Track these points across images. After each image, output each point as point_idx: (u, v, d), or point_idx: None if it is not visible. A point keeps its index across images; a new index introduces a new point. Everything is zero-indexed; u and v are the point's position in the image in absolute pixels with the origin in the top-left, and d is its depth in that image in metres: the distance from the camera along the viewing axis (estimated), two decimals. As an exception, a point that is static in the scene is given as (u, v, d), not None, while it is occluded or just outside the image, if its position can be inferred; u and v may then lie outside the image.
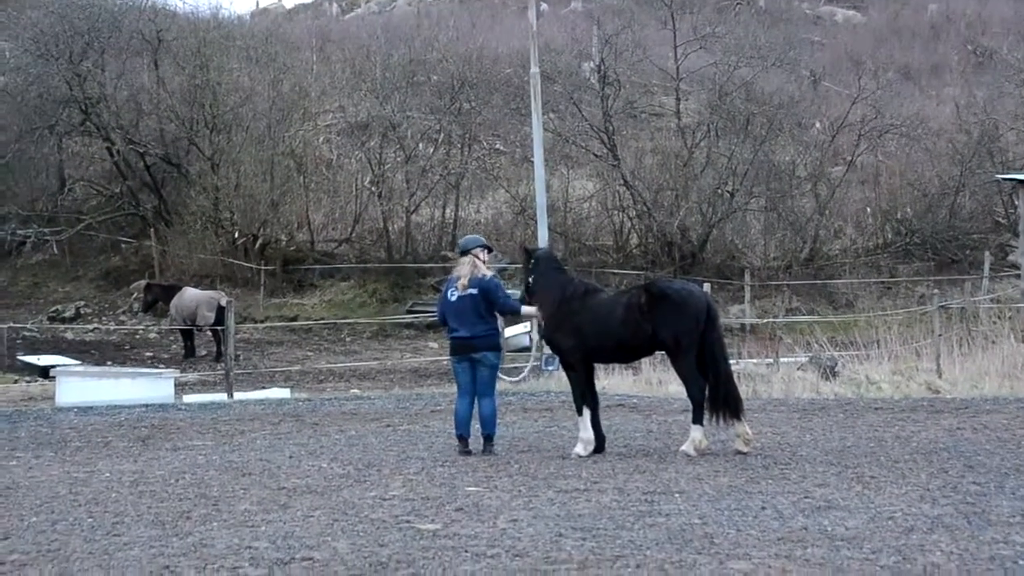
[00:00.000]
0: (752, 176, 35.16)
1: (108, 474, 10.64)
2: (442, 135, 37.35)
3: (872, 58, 47.71)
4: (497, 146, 39.38)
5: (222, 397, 18.40)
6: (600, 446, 11.17)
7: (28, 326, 30.23)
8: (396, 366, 25.43)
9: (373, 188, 35.82)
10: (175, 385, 19.00)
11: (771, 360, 19.90)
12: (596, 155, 36.14)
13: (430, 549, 7.21)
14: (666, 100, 40.98)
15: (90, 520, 8.46)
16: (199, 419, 15.10)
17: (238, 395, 18.46)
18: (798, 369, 18.80)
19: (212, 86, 35.66)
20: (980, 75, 47.70)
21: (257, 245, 34.69)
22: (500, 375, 13.87)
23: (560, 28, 47.92)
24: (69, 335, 30.21)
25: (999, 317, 23.18)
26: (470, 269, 11.48)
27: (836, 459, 10.50)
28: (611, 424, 12.71)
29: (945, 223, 36.09)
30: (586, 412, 11.15)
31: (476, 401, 11.48)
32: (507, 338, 20.49)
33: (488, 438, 11.42)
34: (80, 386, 17.92)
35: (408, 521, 8.08)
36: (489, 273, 11.64)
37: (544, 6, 53.25)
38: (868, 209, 38.06)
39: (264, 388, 20.41)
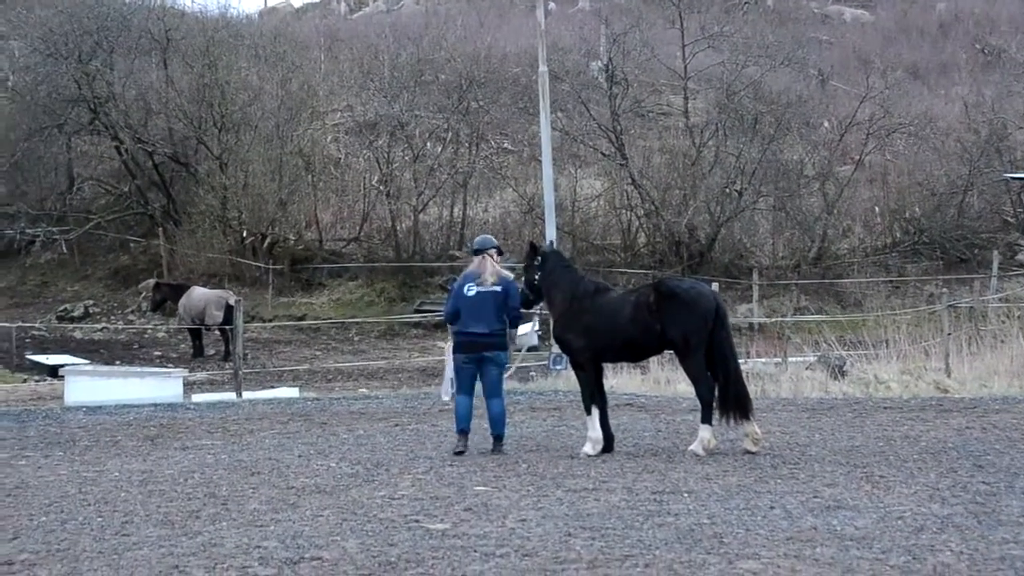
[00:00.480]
0: (760, 175, 35.11)
1: (117, 473, 10.66)
2: (450, 134, 37.34)
3: (880, 57, 47.58)
4: (505, 145, 39.32)
5: (231, 396, 18.38)
6: (609, 445, 11.17)
7: (37, 325, 30.28)
8: (404, 365, 25.42)
9: (381, 187, 35.79)
10: (184, 384, 19.03)
11: (779, 359, 19.91)
12: (604, 154, 36.13)
13: (439, 549, 7.22)
14: (674, 99, 40.89)
15: (99, 519, 8.48)
16: (208, 418, 15.11)
17: (247, 394, 18.47)
18: (807, 368, 18.75)
19: (221, 85, 35.70)
20: (988, 74, 47.56)
21: (265, 244, 34.72)
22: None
23: (568, 27, 47.93)
24: (78, 334, 30.26)
25: (1008, 316, 23.11)
26: (493, 266, 11.49)
27: (845, 459, 10.49)
28: (619, 423, 12.71)
29: (954, 222, 35.99)
30: (595, 411, 11.15)
31: (484, 402, 11.50)
32: (518, 336, 20.55)
33: (498, 438, 11.43)
34: (89, 385, 17.95)
35: (417, 521, 8.09)
36: (510, 275, 11.72)
37: (552, 5, 53.18)
38: (876, 208, 37.99)
39: (273, 387, 20.43)
